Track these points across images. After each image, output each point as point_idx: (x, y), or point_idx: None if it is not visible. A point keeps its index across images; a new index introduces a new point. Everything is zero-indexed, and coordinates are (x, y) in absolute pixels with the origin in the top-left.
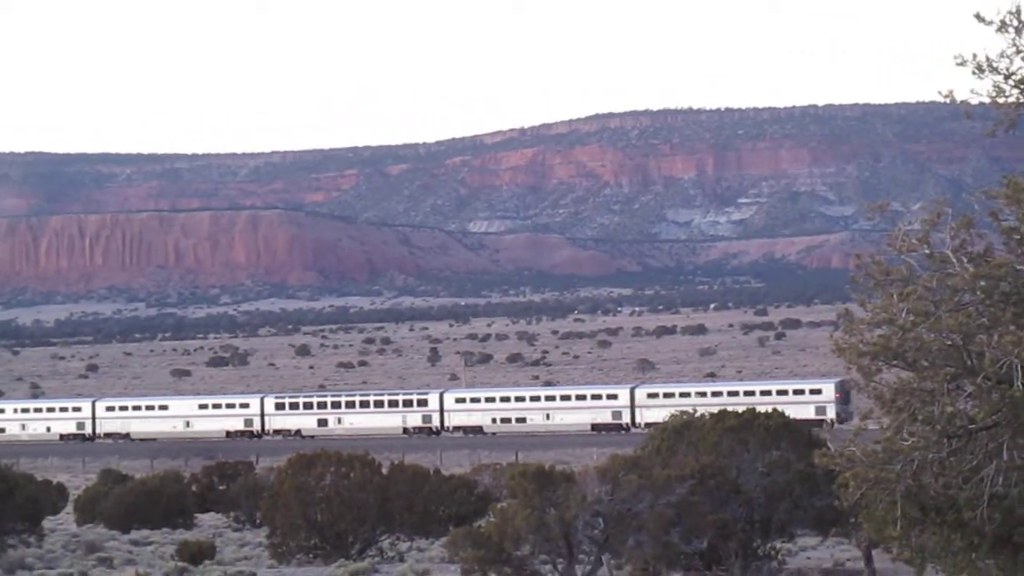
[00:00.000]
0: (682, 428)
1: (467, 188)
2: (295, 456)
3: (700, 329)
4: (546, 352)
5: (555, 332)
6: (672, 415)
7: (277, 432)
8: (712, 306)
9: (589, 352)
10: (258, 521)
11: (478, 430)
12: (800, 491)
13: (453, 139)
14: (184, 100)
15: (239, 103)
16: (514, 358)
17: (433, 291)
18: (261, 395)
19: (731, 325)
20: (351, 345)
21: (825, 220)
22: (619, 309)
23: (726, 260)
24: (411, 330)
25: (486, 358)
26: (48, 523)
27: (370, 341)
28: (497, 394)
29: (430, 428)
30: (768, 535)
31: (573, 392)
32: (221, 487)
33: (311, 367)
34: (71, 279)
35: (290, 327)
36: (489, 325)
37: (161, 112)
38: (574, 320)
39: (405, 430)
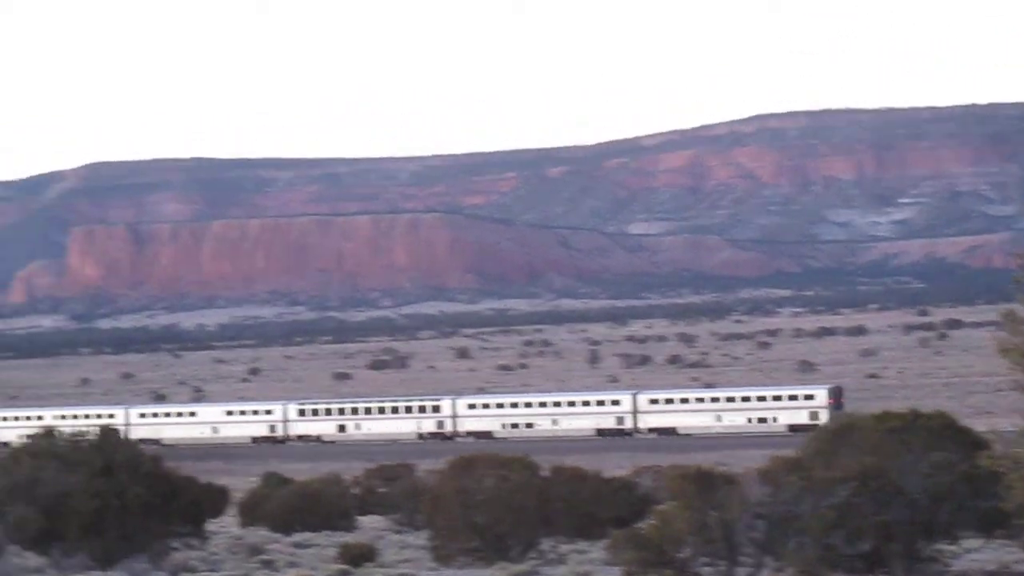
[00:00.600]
0: (844, 429)
1: (626, 190)
2: (456, 458)
3: (861, 330)
4: (705, 354)
5: (715, 334)
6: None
7: (300, 438)
8: (873, 307)
9: (749, 354)
10: (419, 524)
11: (488, 435)
12: (964, 493)
13: (612, 141)
14: (345, 105)
15: (399, 107)
16: (673, 360)
17: (592, 293)
18: (284, 402)
19: (892, 326)
20: (511, 347)
21: (987, 220)
22: (779, 310)
23: (887, 260)
24: (570, 332)
25: (645, 360)
26: (211, 526)
27: (529, 343)
28: (507, 400)
29: (443, 434)
30: (931, 537)
31: (579, 398)
32: (382, 489)
33: (471, 369)
34: (233, 283)
35: (450, 330)
36: (648, 327)
37: (322, 117)
38: (734, 321)
39: (420, 435)
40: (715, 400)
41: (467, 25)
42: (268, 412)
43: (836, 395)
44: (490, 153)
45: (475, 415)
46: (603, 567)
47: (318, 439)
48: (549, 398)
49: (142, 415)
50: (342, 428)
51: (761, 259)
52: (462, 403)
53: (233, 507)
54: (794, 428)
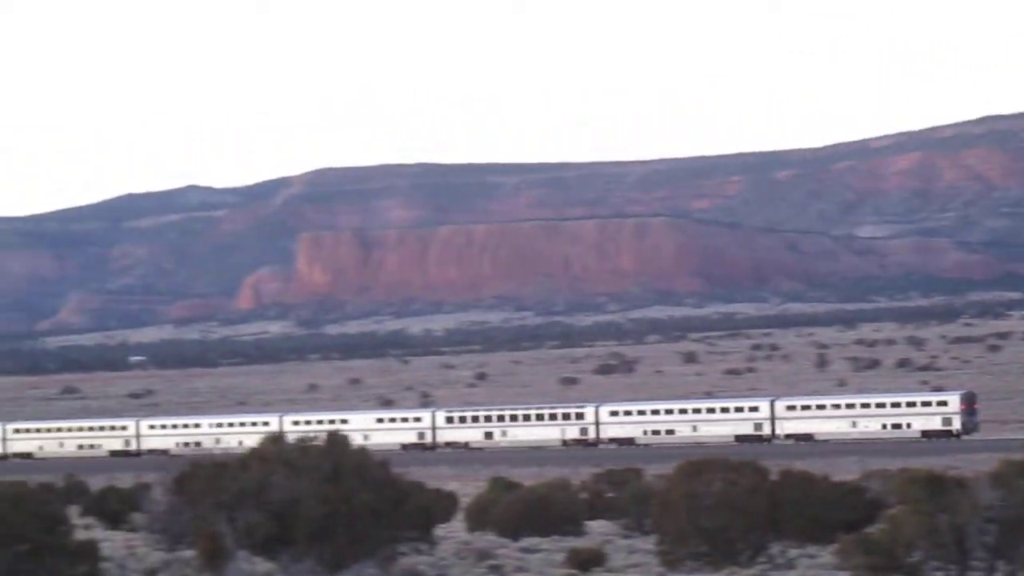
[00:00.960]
0: None
1: (854, 193)
2: (684, 463)
3: None
4: (935, 357)
5: (944, 337)
6: None
7: (448, 445)
8: None
9: (979, 357)
10: (647, 528)
11: (630, 442)
12: None
13: (839, 144)
14: (571, 109)
15: (624, 111)
16: (902, 363)
17: (820, 297)
18: (432, 410)
19: None
20: (738, 352)
21: None
22: (1009, 313)
23: None
24: (798, 336)
25: (874, 363)
26: (439, 531)
27: (757, 347)
28: (648, 407)
29: (586, 440)
30: None
31: (718, 405)
32: (610, 494)
33: (698, 374)
34: (459, 288)
35: (677, 334)
36: (877, 330)
37: (548, 121)
38: (963, 324)
39: (564, 442)
40: (851, 406)
41: (690, 29)
42: (417, 419)
43: (969, 401)
44: (716, 156)
45: (617, 422)
46: (832, 571)
47: (465, 446)
48: (689, 405)
49: (295, 423)
50: (488, 435)
51: (991, 262)
52: (605, 410)
53: (461, 512)
54: (927, 434)
